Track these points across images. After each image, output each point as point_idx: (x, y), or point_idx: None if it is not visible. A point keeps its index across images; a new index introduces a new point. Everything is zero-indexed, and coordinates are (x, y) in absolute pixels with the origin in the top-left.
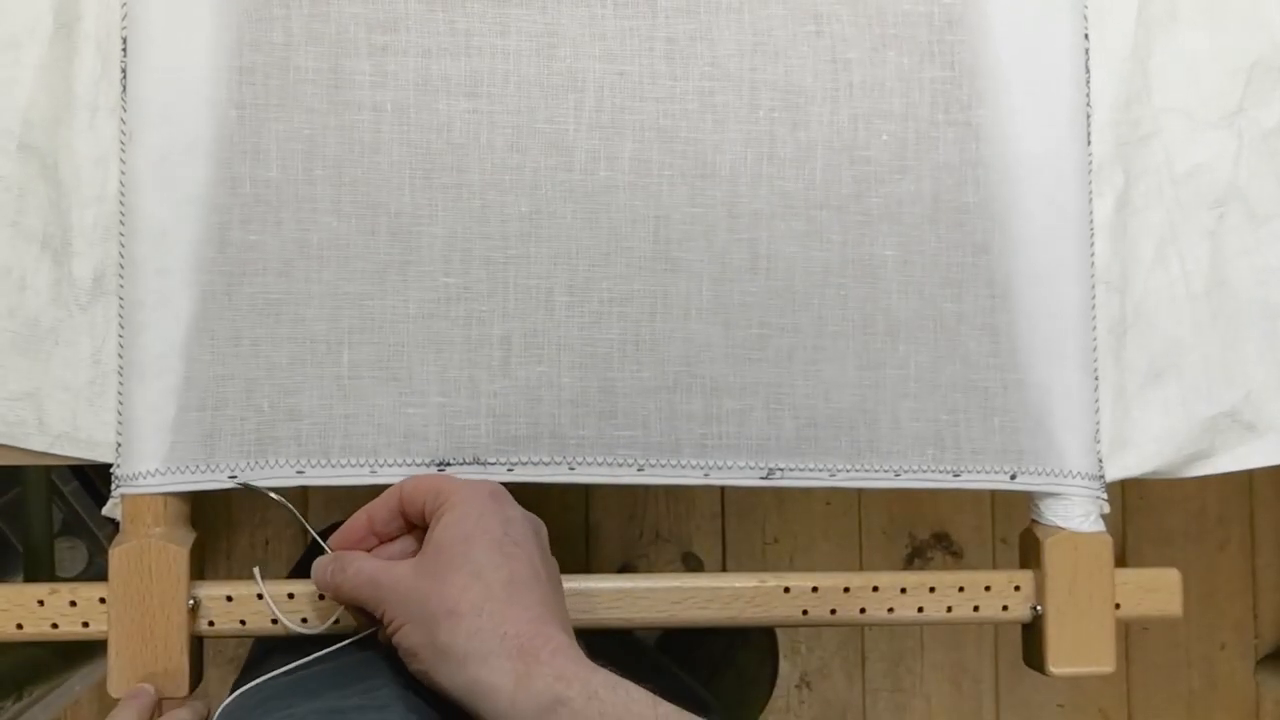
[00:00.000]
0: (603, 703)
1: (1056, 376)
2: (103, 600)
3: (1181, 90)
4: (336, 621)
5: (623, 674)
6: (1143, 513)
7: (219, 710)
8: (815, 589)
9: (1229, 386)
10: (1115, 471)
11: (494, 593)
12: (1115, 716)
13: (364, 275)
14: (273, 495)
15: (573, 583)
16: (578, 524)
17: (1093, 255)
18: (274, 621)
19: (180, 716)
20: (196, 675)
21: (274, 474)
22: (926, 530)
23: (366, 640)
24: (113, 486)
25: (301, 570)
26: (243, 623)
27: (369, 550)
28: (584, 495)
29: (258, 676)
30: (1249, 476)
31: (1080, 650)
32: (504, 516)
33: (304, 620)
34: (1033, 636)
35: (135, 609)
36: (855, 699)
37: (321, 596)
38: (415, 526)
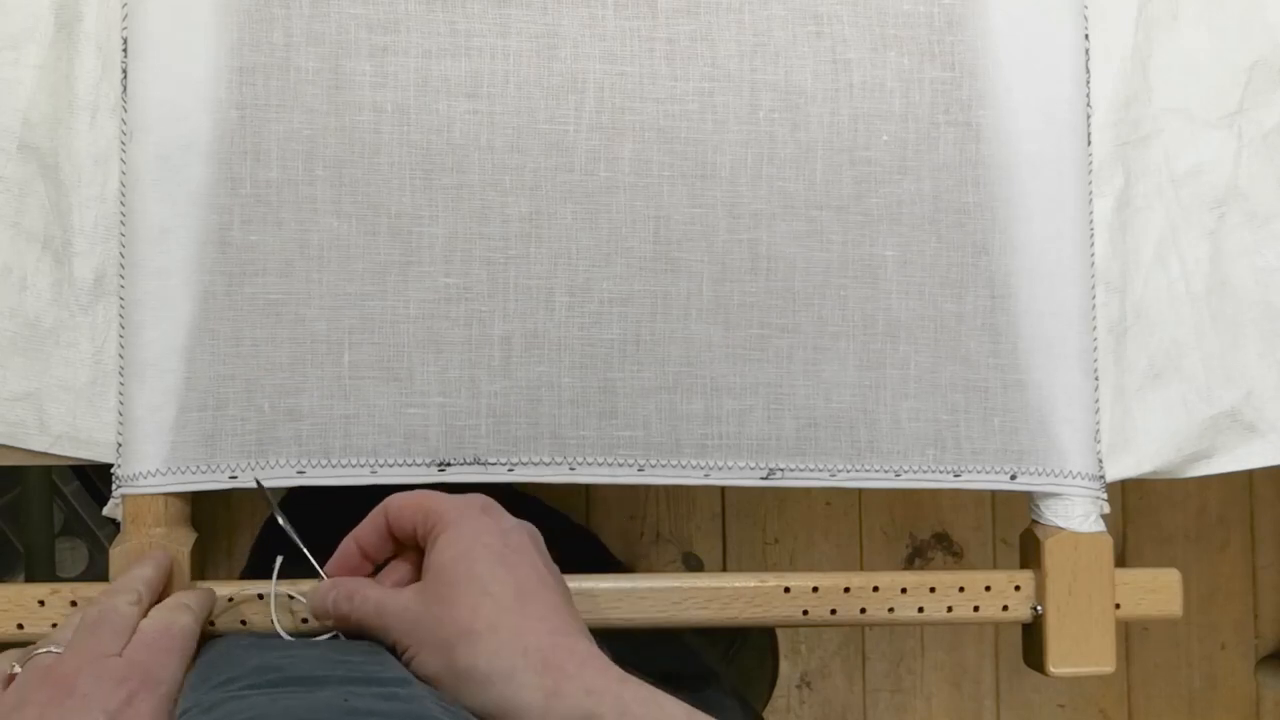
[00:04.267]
0: (635, 718)
1: (1057, 377)
2: None
3: (1181, 90)
4: None
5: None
6: (1143, 513)
7: (208, 645)
8: (815, 589)
9: (1229, 387)
10: (1115, 471)
11: (506, 606)
12: (1115, 716)
13: (364, 275)
14: (264, 490)
15: (573, 583)
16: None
17: (1093, 255)
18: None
19: (186, 599)
20: None
21: (275, 474)
22: (927, 530)
23: None
24: (113, 487)
25: (257, 557)
26: (244, 623)
27: (368, 576)
28: (584, 495)
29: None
30: (1249, 476)
31: (1080, 650)
32: (500, 528)
33: (304, 620)
34: (1033, 636)
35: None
36: (855, 699)
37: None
38: (406, 548)
